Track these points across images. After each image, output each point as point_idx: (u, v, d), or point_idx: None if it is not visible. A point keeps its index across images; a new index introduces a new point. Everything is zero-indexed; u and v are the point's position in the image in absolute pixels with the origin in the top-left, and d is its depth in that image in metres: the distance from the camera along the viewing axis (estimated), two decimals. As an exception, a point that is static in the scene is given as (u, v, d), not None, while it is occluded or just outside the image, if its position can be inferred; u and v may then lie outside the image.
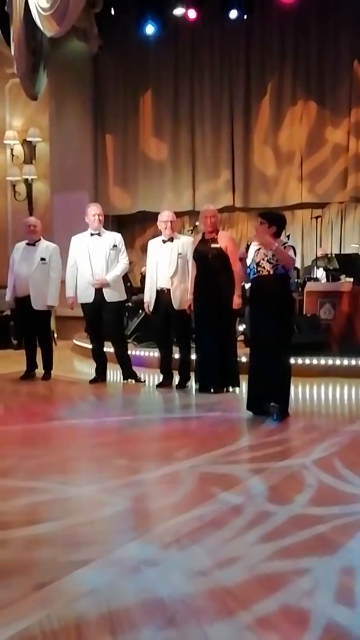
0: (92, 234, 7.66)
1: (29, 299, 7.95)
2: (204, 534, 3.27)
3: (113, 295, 7.57)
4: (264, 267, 5.69)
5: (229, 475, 4.22)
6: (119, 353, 7.84)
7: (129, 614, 2.54)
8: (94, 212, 7.64)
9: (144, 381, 7.86)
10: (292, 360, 6.09)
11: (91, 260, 7.57)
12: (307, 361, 8.07)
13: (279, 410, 5.64)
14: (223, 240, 7.06)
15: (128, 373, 7.84)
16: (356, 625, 2.41)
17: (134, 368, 7.98)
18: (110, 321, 7.67)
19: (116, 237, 7.75)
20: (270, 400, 5.71)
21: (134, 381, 7.81)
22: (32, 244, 8.11)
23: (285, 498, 3.78)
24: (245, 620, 2.45)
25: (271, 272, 5.67)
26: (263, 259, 5.70)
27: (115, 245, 7.63)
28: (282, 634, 2.36)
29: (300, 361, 7.95)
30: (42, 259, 8.01)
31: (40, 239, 8.15)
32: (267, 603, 2.57)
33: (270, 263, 5.67)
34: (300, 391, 7.23)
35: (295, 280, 10.12)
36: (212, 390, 7.04)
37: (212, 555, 3.03)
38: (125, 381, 7.82)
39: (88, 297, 7.60)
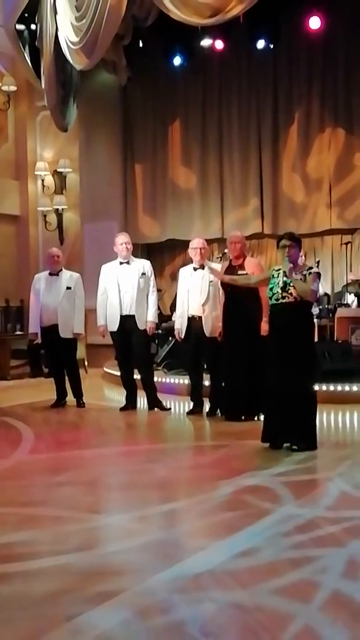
0: (121, 263, 7.71)
1: (56, 328, 8.01)
2: (236, 563, 3.23)
3: (142, 322, 7.59)
4: (287, 293, 5.56)
5: (261, 503, 4.17)
6: (145, 381, 7.84)
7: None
8: (122, 241, 7.70)
9: (170, 409, 7.83)
10: (322, 387, 6.00)
11: (120, 289, 7.61)
12: (339, 388, 7.97)
13: (301, 449, 5.51)
14: (250, 267, 7.04)
15: (153, 402, 7.82)
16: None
17: (165, 395, 7.96)
18: (138, 348, 7.68)
19: (145, 265, 7.79)
20: (289, 435, 5.59)
21: (158, 409, 7.77)
22: (56, 273, 8.19)
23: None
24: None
25: (293, 299, 5.52)
26: (282, 286, 5.58)
27: (144, 273, 7.65)
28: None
29: (332, 388, 7.87)
30: (68, 287, 8.08)
31: (62, 269, 8.23)
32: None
33: (287, 291, 5.54)
34: (332, 418, 7.15)
35: (327, 306, 10.07)
36: (242, 417, 6.99)
37: (245, 585, 2.98)
38: (152, 410, 7.79)
39: (116, 325, 7.63)
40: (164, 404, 7.84)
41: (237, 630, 2.60)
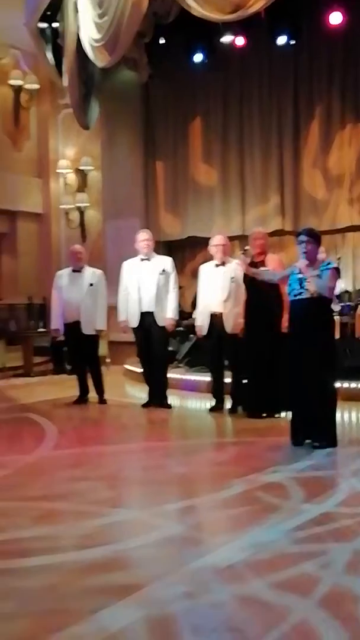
0: (142, 259, 7.74)
1: (79, 324, 8.06)
2: (257, 559, 3.25)
3: (161, 319, 7.61)
4: (304, 289, 5.55)
5: (279, 500, 4.18)
6: (156, 375, 7.87)
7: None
8: (142, 237, 7.74)
9: (171, 407, 7.81)
10: (344, 385, 5.98)
11: (140, 286, 7.65)
12: (360, 385, 7.95)
13: (322, 446, 5.52)
14: (271, 263, 7.05)
15: (159, 397, 7.82)
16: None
17: (186, 393, 7.98)
18: (156, 345, 7.71)
19: (166, 262, 7.81)
20: (310, 432, 5.60)
21: (161, 407, 7.77)
22: (78, 270, 8.24)
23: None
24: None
25: (310, 295, 5.51)
26: (300, 282, 5.57)
27: (164, 270, 7.67)
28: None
29: (353, 385, 7.85)
30: (91, 284, 8.13)
31: (84, 266, 8.28)
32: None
33: (303, 287, 5.52)
34: (352, 415, 7.13)
35: (347, 303, 10.02)
36: (263, 414, 7.00)
37: (266, 580, 3.00)
38: (154, 405, 7.79)
39: (136, 321, 7.66)
40: (168, 402, 7.83)
41: (259, 624, 2.62)
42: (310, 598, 2.82)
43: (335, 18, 10.09)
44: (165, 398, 7.84)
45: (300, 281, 5.53)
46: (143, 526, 3.86)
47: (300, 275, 5.54)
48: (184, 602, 2.83)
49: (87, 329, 8.08)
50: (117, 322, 7.89)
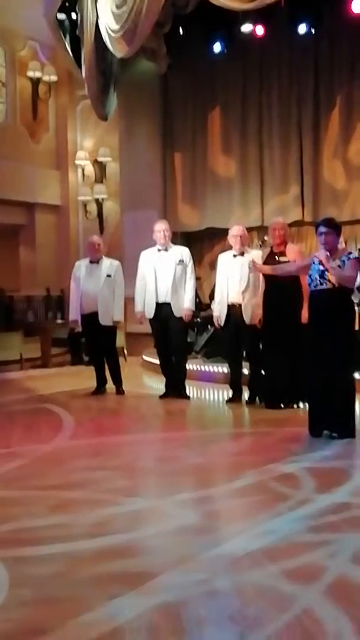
0: (159, 250, 7.71)
1: (96, 315, 8.04)
2: (274, 548, 3.22)
3: (178, 310, 7.57)
4: (325, 280, 5.51)
5: (302, 490, 4.14)
6: (177, 366, 7.85)
7: (200, 628, 2.51)
8: (159, 228, 7.70)
9: (189, 398, 7.79)
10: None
11: (157, 277, 7.61)
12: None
13: (340, 436, 5.46)
14: (292, 254, 6.99)
15: (178, 388, 7.79)
16: None
17: (204, 383, 7.95)
18: (174, 336, 7.67)
19: (183, 252, 7.76)
20: (329, 423, 5.55)
21: (180, 397, 7.75)
22: (96, 261, 8.22)
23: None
24: None
25: (331, 286, 5.46)
26: (320, 273, 5.52)
27: (181, 260, 7.63)
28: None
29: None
30: (108, 275, 8.11)
31: (102, 257, 8.26)
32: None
33: (325, 278, 5.46)
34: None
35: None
36: (281, 405, 6.95)
37: (282, 568, 2.97)
38: (175, 396, 7.76)
39: (152, 312, 7.64)
40: (187, 393, 7.81)
41: (276, 613, 2.59)
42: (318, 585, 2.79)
43: (357, 6, 9.93)
44: (184, 389, 7.81)
45: (322, 272, 5.48)
46: (160, 515, 3.85)
47: (321, 267, 5.48)
48: (199, 590, 2.81)
49: (104, 320, 8.06)
50: (134, 312, 7.87)
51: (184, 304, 7.57)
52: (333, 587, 2.80)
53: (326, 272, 5.44)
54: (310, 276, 5.61)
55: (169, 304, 7.56)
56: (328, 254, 5.46)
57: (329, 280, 5.45)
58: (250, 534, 3.42)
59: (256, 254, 7.33)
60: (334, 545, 3.24)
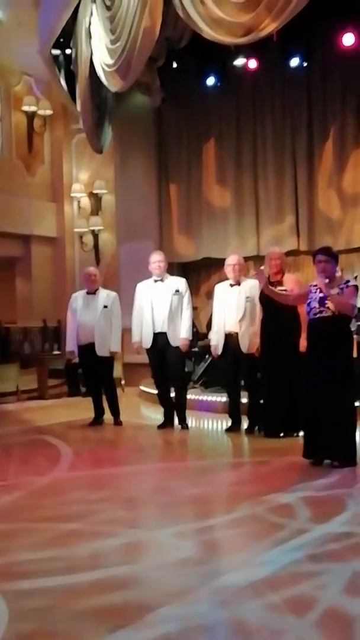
0: (155, 281, 7.73)
1: (93, 346, 8.03)
2: (276, 578, 3.17)
3: (175, 340, 7.56)
4: (325, 307, 5.52)
5: (299, 520, 4.10)
6: (177, 398, 7.82)
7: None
8: (154, 259, 7.74)
9: (188, 428, 7.74)
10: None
11: (153, 307, 7.63)
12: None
13: (341, 465, 5.43)
14: (289, 283, 7.01)
15: (180, 419, 7.77)
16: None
17: (202, 413, 7.91)
18: (171, 366, 7.65)
19: (179, 283, 7.78)
20: (328, 451, 5.51)
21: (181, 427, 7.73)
22: (93, 292, 8.24)
23: None
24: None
25: (331, 313, 5.48)
26: (319, 300, 5.53)
27: (177, 291, 7.65)
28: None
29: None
30: (105, 306, 8.12)
31: (98, 288, 8.27)
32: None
33: (325, 305, 5.48)
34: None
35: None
36: (281, 434, 6.91)
37: (285, 600, 2.92)
38: (180, 425, 7.74)
39: (149, 342, 7.63)
40: (187, 423, 7.77)
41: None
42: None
43: (348, 39, 10.10)
44: (184, 419, 7.77)
45: (321, 299, 5.49)
46: (161, 546, 3.80)
47: (320, 294, 5.49)
48: (202, 621, 2.76)
49: (101, 351, 8.05)
50: (132, 343, 7.86)
51: (181, 334, 7.57)
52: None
53: (325, 300, 5.45)
54: (309, 304, 5.62)
55: (165, 334, 7.55)
56: (327, 280, 5.48)
57: (329, 308, 5.46)
58: (250, 564, 3.37)
59: (253, 283, 7.34)
60: (332, 574, 3.20)
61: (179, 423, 7.76)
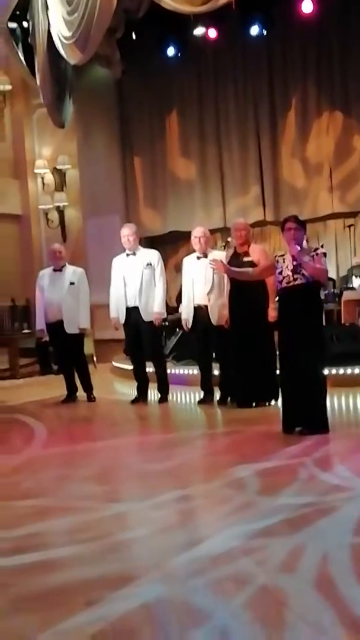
0: (127, 254, 7.70)
1: (61, 324, 8.01)
2: (254, 545, 3.24)
3: (148, 314, 7.57)
4: (299, 275, 5.56)
5: (275, 487, 4.17)
6: (156, 373, 7.84)
7: (181, 628, 2.51)
8: (124, 233, 7.68)
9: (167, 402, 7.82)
10: (332, 371, 5.98)
11: (125, 282, 7.61)
12: (349, 371, 7.95)
13: (313, 432, 5.51)
14: (255, 254, 7.03)
15: (163, 393, 7.82)
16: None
17: (175, 387, 7.95)
18: (146, 341, 7.67)
19: (152, 256, 7.73)
20: (302, 419, 5.60)
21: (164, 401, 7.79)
22: (59, 269, 8.19)
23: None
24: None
25: (305, 281, 5.52)
26: (293, 269, 5.57)
27: (149, 264, 7.62)
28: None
29: (341, 371, 7.86)
30: (72, 282, 8.08)
31: (65, 264, 8.23)
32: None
33: (299, 273, 5.54)
34: (342, 402, 7.14)
35: (332, 290, 10.04)
36: (253, 404, 6.99)
37: (263, 565, 2.99)
38: (163, 402, 7.78)
39: (123, 317, 7.63)
40: (167, 397, 7.83)
41: (260, 610, 2.60)
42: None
43: (307, 6, 10.06)
44: (166, 394, 7.80)
45: (295, 267, 5.50)
46: (138, 518, 3.85)
47: (294, 262, 5.51)
48: (180, 591, 2.81)
49: (70, 328, 8.03)
50: (110, 318, 7.83)
51: (154, 308, 7.57)
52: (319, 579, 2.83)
53: (299, 267, 5.47)
54: (280, 273, 5.62)
55: (137, 308, 7.54)
56: (299, 248, 5.50)
57: (303, 275, 5.48)
58: (228, 532, 3.43)
59: (219, 255, 7.33)
60: (309, 535, 3.27)
61: (160, 400, 7.77)
